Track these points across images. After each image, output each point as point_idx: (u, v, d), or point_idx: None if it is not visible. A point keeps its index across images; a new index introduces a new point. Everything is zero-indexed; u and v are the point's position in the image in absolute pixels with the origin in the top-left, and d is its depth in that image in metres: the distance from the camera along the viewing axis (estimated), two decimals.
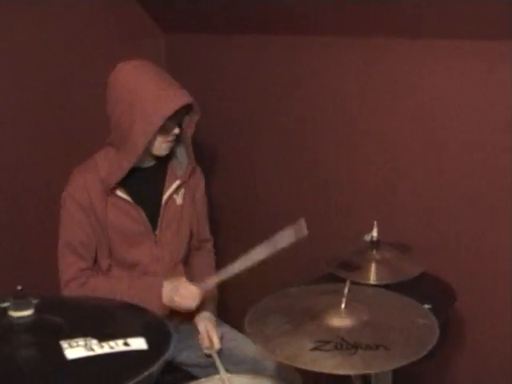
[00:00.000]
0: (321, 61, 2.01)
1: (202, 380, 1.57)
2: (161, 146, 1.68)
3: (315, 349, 1.15)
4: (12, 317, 1.07)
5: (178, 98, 1.63)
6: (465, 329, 1.79)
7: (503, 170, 1.64)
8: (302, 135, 2.14)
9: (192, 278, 1.73)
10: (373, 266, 1.62)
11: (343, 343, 1.15)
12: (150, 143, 1.64)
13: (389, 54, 1.82)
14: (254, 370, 1.64)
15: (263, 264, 2.35)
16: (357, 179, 2.00)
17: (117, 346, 1.04)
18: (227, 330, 1.80)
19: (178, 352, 1.74)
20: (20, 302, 1.08)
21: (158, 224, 1.72)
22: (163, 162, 1.76)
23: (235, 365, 1.67)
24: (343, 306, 1.26)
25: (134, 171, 1.67)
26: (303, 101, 2.11)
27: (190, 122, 1.74)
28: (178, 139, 1.73)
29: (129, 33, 2.43)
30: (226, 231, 2.35)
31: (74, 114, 2.33)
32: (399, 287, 1.48)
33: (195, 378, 1.66)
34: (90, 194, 1.64)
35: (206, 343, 1.69)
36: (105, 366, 1.00)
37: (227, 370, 1.60)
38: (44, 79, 2.24)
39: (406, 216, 1.88)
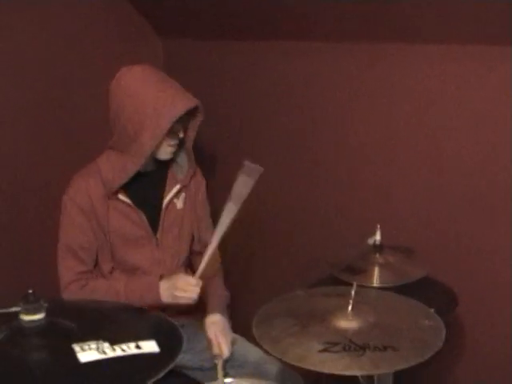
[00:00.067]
0: (315, 66, 2.03)
1: None
2: (165, 150, 1.69)
3: (324, 350, 1.16)
4: (23, 320, 1.08)
5: (185, 100, 1.64)
6: (465, 329, 1.80)
7: (503, 171, 1.66)
8: (301, 137, 2.15)
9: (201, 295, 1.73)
10: (376, 270, 1.64)
11: (351, 345, 1.17)
12: (157, 146, 1.65)
13: (385, 58, 1.84)
14: (256, 373, 1.64)
15: (264, 267, 2.37)
16: (356, 180, 2.02)
17: (129, 348, 1.05)
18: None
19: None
20: (31, 306, 1.08)
21: (159, 228, 1.72)
22: (164, 166, 1.76)
23: (237, 368, 1.67)
24: (350, 308, 1.27)
25: (136, 175, 1.67)
26: (300, 104, 2.12)
27: (194, 126, 1.75)
28: (179, 143, 1.73)
29: (126, 38, 2.43)
30: (225, 231, 2.35)
31: (73, 114, 2.33)
32: (402, 290, 1.50)
33: (196, 381, 1.66)
34: (92, 197, 1.64)
35: (214, 350, 1.67)
36: (117, 368, 1.01)
37: (229, 375, 1.60)
38: (44, 79, 2.24)
39: (406, 218, 1.90)
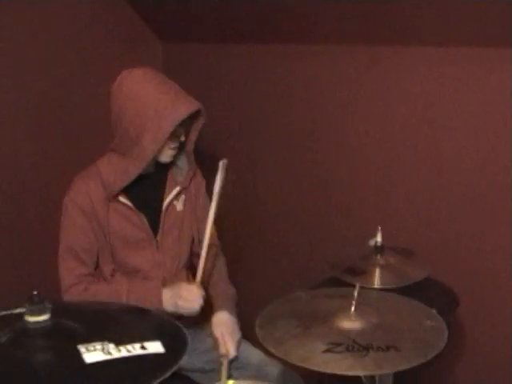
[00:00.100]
0: (315, 68, 2.05)
1: None
2: (167, 153, 1.69)
3: (327, 351, 1.17)
4: (28, 322, 1.07)
5: (188, 104, 1.64)
6: (465, 330, 1.82)
7: (503, 171, 1.67)
8: (301, 139, 2.17)
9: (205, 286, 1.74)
10: (377, 271, 1.65)
11: (355, 345, 1.18)
12: (158, 150, 1.65)
13: (385, 60, 1.86)
14: (258, 375, 1.64)
15: (264, 268, 2.38)
16: (357, 181, 2.03)
17: (134, 349, 1.04)
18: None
19: None
20: (36, 307, 1.08)
21: (159, 230, 1.72)
22: (164, 168, 1.76)
23: (240, 370, 1.67)
24: (353, 309, 1.28)
25: (136, 177, 1.67)
26: (300, 106, 2.14)
27: (195, 129, 1.75)
28: (180, 146, 1.74)
29: (126, 41, 2.45)
30: (226, 232, 2.36)
31: (73, 115, 2.33)
32: (403, 291, 1.51)
33: (197, 383, 1.66)
34: (93, 199, 1.64)
35: (221, 350, 1.67)
36: (123, 369, 1.01)
37: (232, 377, 1.60)
38: (44, 80, 2.24)
39: (406, 219, 1.91)
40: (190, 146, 1.77)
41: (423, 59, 1.76)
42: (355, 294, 1.28)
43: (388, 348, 1.16)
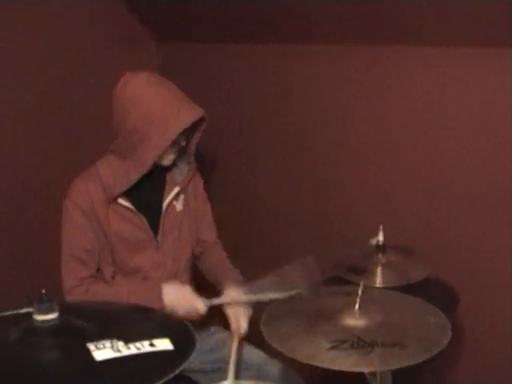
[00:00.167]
0: (314, 68, 2.05)
1: None
2: (168, 157, 1.70)
3: (332, 348, 1.18)
4: (37, 320, 1.08)
5: (191, 111, 1.65)
6: (465, 329, 1.82)
7: (503, 171, 1.68)
8: (302, 139, 2.17)
9: (214, 280, 1.75)
10: (379, 270, 1.66)
11: (360, 342, 1.19)
12: (160, 155, 1.66)
13: (385, 60, 1.87)
14: (258, 375, 1.64)
15: (264, 268, 2.38)
16: (358, 181, 2.04)
17: (143, 346, 1.05)
18: (229, 336, 1.80)
19: None
20: (44, 306, 1.08)
21: (160, 230, 1.73)
22: (163, 169, 1.76)
23: (241, 371, 1.66)
24: (357, 306, 1.29)
25: None
26: (300, 106, 2.14)
27: (197, 132, 1.76)
28: (181, 149, 1.74)
29: (122, 42, 2.45)
30: (226, 232, 2.37)
31: (73, 115, 2.34)
32: (404, 290, 1.52)
33: None
34: (93, 200, 1.64)
35: (232, 326, 1.64)
36: (133, 366, 1.02)
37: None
38: (42, 80, 2.24)
39: (407, 219, 1.92)
40: (192, 149, 1.78)
41: (423, 59, 1.77)
42: (360, 291, 1.30)
43: (393, 345, 1.18)
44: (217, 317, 1.77)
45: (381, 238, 1.69)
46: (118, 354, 1.02)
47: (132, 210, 1.68)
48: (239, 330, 1.63)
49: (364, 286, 1.35)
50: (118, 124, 1.66)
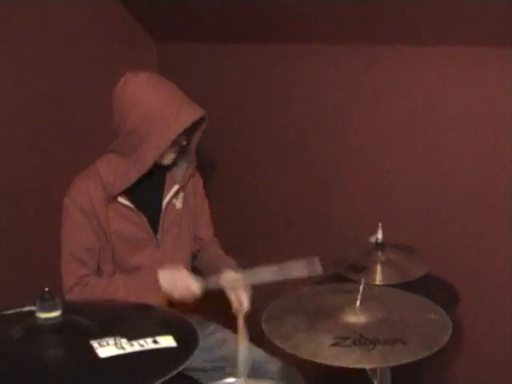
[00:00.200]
0: (314, 68, 2.06)
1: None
2: (168, 156, 1.70)
3: (335, 345, 1.19)
4: (40, 318, 1.08)
5: (191, 111, 1.65)
6: (465, 329, 1.83)
7: (503, 170, 1.69)
8: (301, 138, 2.18)
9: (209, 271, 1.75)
10: (378, 267, 1.67)
11: (361, 339, 1.20)
12: (160, 155, 1.67)
13: (385, 59, 1.88)
14: (258, 373, 1.63)
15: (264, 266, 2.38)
16: (357, 180, 2.05)
17: (146, 343, 1.06)
18: (230, 334, 1.81)
19: None
20: (48, 304, 1.09)
21: (159, 229, 1.73)
22: (163, 167, 1.77)
23: (239, 368, 1.68)
24: (358, 303, 1.30)
25: None
26: (300, 105, 2.15)
27: (198, 131, 1.77)
28: (181, 148, 1.75)
29: (121, 42, 2.46)
30: (226, 231, 2.37)
31: (73, 115, 2.34)
32: (404, 288, 1.52)
33: (198, 382, 1.66)
34: (93, 199, 1.65)
35: (234, 305, 1.63)
36: (136, 363, 1.02)
37: (232, 374, 1.60)
38: (43, 79, 2.24)
39: (406, 217, 1.93)
40: (192, 148, 1.79)
41: (423, 59, 1.77)
42: (361, 288, 1.31)
43: (395, 341, 1.18)
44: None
45: (380, 235, 1.70)
46: (121, 351, 1.03)
47: (132, 209, 1.69)
48: (241, 307, 1.62)
49: (364, 283, 1.36)
50: (118, 124, 1.66)
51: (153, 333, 1.09)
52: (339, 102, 2.03)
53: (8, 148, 2.19)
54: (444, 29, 1.66)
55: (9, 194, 2.20)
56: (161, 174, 1.77)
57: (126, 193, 1.68)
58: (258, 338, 1.51)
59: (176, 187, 1.77)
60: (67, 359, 1.04)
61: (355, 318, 1.29)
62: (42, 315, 1.08)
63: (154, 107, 1.61)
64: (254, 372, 1.65)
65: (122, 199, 1.68)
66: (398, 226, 1.89)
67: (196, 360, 1.74)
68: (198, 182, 1.87)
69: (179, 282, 1.60)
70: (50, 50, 2.25)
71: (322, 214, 2.15)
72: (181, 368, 1.00)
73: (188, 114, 1.64)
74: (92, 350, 1.03)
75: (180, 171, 1.80)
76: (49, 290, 1.11)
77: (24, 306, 1.19)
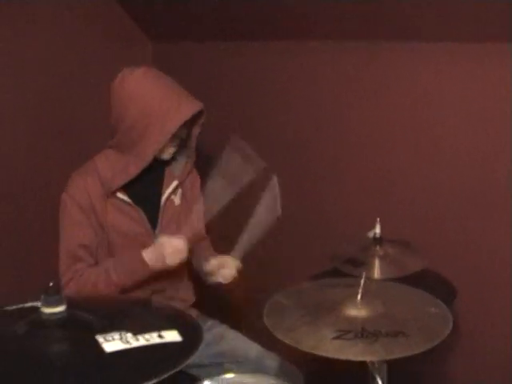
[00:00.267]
0: (314, 65, 2.06)
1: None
2: (168, 151, 1.71)
3: (337, 338, 1.20)
4: (44, 313, 1.08)
5: (190, 105, 1.67)
6: (464, 328, 1.82)
7: (501, 164, 1.70)
8: (301, 134, 2.18)
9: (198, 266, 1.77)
10: (376, 262, 1.68)
11: (363, 332, 1.21)
12: (160, 149, 1.67)
13: (384, 56, 1.89)
14: (256, 369, 1.65)
15: (264, 263, 2.39)
16: (356, 175, 2.06)
17: (151, 338, 1.06)
18: (227, 329, 1.82)
19: None
20: (53, 299, 1.09)
21: (158, 224, 1.74)
22: (161, 162, 1.77)
23: (238, 364, 1.69)
24: (359, 297, 1.31)
25: None
26: (299, 102, 2.15)
27: (197, 125, 1.78)
28: (181, 143, 1.76)
29: (117, 41, 2.46)
30: (226, 231, 2.37)
31: (70, 114, 2.34)
32: (402, 282, 1.53)
33: (196, 379, 1.68)
34: (91, 195, 1.65)
35: (221, 273, 1.68)
36: (142, 358, 1.03)
37: (230, 370, 1.61)
38: (41, 79, 2.25)
39: (404, 213, 1.94)
40: (192, 142, 1.80)
41: (422, 55, 1.78)
42: (361, 282, 1.32)
43: (396, 334, 1.20)
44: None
45: (378, 230, 1.70)
46: (127, 346, 1.03)
47: (130, 204, 1.69)
48: (228, 276, 1.66)
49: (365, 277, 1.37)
50: (116, 120, 1.67)
51: (158, 327, 1.09)
52: (338, 99, 2.04)
53: (7, 148, 2.19)
54: (443, 25, 1.67)
55: (9, 194, 2.21)
56: (160, 169, 1.77)
57: (125, 188, 1.69)
58: (255, 333, 1.52)
59: (175, 183, 1.78)
60: (72, 354, 1.04)
61: (356, 311, 1.30)
62: (47, 310, 1.08)
63: (153, 101, 1.62)
64: (252, 367, 1.66)
65: (120, 194, 1.69)
66: (396, 220, 1.90)
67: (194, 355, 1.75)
68: (196, 179, 1.88)
69: (168, 249, 1.61)
70: (46, 50, 2.25)
71: (320, 210, 2.16)
72: (187, 362, 1.01)
73: (188, 106, 1.65)
74: (98, 345, 1.03)
75: (179, 166, 1.81)
76: (53, 285, 1.12)
77: (27, 302, 1.19)
